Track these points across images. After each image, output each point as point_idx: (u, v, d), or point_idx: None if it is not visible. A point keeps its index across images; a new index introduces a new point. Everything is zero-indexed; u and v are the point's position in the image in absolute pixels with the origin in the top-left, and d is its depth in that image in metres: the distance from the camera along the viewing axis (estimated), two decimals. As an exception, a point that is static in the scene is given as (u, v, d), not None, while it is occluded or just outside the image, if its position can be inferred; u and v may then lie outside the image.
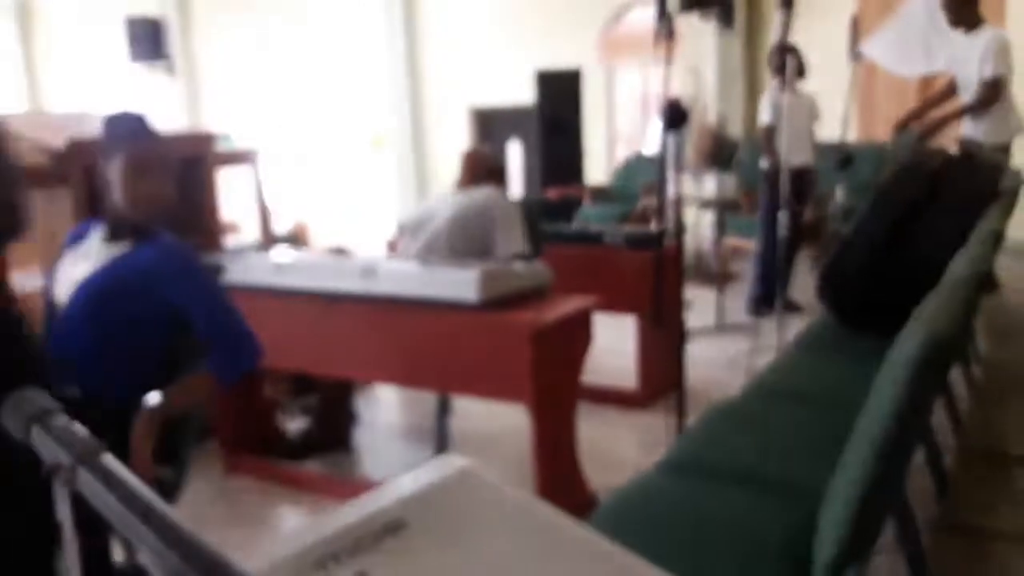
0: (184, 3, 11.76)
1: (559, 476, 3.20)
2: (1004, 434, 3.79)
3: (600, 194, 8.72)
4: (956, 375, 3.85)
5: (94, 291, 2.25)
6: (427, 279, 3.19)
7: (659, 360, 4.22)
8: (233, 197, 5.01)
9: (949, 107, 5.14)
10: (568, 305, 3.16)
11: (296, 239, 6.85)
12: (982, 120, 4.93)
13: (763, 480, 2.17)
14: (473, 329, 3.08)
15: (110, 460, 0.91)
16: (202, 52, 11.92)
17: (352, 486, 3.51)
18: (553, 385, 3.11)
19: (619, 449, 3.93)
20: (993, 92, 4.79)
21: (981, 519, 2.99)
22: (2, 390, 0.99)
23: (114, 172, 2.23)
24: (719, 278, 6.26)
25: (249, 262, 3.65)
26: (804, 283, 6.04)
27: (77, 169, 3.54)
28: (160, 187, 2.26)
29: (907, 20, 5.72)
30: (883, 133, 7.08)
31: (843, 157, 5.81)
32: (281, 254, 3.82)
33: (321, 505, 3.42)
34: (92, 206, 2.35)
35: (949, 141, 5.16)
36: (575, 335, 3.19)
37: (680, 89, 8.37)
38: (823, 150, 6.08)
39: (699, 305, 5.46)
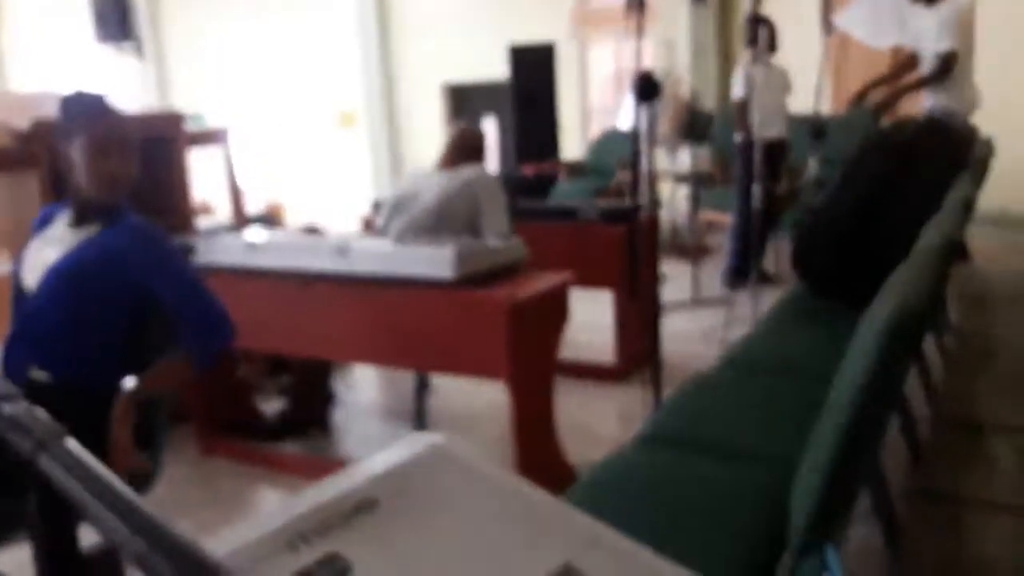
0: (151, -20, 11.59)
1: (539, 452, 3.21)
2: (977, 402, 3.83)
3: (575, 169, 8.70)
4: (929, 344, 3.88)
5: (63, 275, 2.22)
6: (402, 257, 3.17)
7: (635, 334, 4.23)
8: (205, 177, 4.96)
9: (905, 80, 5.18)
10: (544, 281, 3.15)
11: (269, 219, 6.80)
12: (941, 93, 4.99)
13: (739, 451, 2.18)
14: (449, 306, 3.07)
15: (72, 444, 0.90)
16: (170, 32, 11.76)
17: (330, 466, 3.49)
18: (530, 361, 3.11)
19: (597, 423, 3.94)
20: (946, 65, 4.84)
21: (955, 486, 3.03)
22: None
23: (76, 153, 2.19)
24: (694, 251, 6.28)
25: (222, 242, 3.62)
26: (782, 255, 6.07)
27: (44, 151, 3.49)
28: (123, 166, 2.22)
29: (879, -11, 5.71)
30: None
31: (816, 129, 5.82)
32: (254, 234, 3.79)
33: (298, 486, 3.39)
34: (58, 189, 2.31)
35: (907, 113, 5.20)
36: (551, 311, 3.19)
37: (653, 63, 8.36)
38: (796, 122, 6.09)
39: (674, 279, 5.48)
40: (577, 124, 9.89)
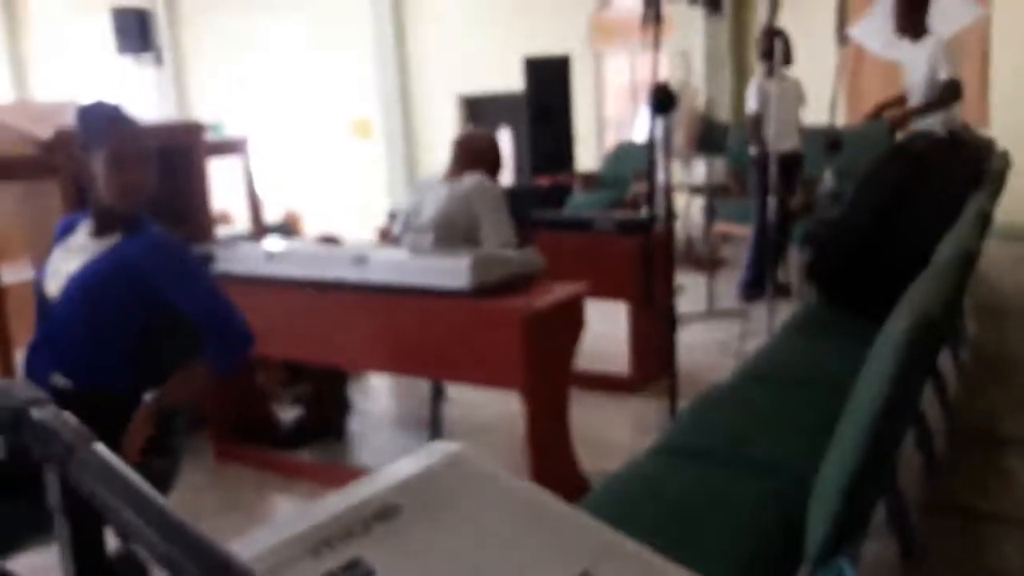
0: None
1: (552, 462, 3.21)
2: (992, 415, 3.81)
3: (590, 181, 8.71)
4: (944, 357, 3.87)
5: (84, 285, 2.24)
6: (418, 267, 3.19)
7: (651, 345, 4.23)
8: (223, 186, 4.99)
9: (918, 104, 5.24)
10: (560, 291, 3.15)
11: (287, 228, 6.84)
12: (938, 114, 5.06)
13: (755, 463, 2.18)
14: (465, 316, 3.08)
15: (101, 449, 0.91)
16: (190, 43, 11.86)
17: (345, 474, 3.52)
18: (545, 371, 3.11)
19: (612, 434, 3.94)
20: (954, 90, 4.91)
21: (970, 499, 3.01)
22: None
23: (96, 164, 2.21)
24: (709, 263, 6.27)
25: (240, 251, 3.64)
26: (795, 267, 6.06)
27: (65, 160, 3.52)
28: (142, 177, 2.25)
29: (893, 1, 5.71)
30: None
31: (831, 141, 5.82)
32: (272, 243, 3.81)
33: (314, 493, 3.42)
34: (81, 197, 2.33)
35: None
36: (567, 321, 3.19)
37: (668, 74, 8.37)
38: (811, 135, 6.09)
39: (690, 290, 5.48)
40: (592, 135, 9.91)
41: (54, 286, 2.28)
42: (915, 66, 5.09)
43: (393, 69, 10.84)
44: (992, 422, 3.73)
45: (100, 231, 2.31)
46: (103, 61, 11.59)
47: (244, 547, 0.93)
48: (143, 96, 11.40)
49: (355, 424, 4.18)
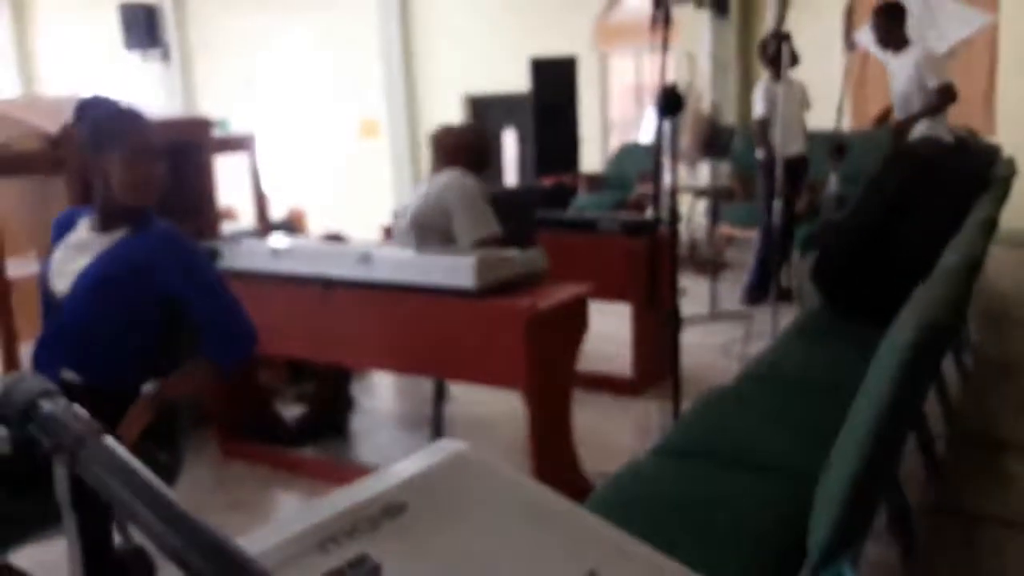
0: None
1: (555, 462, 3.22)
2: (994, 420, 3.82)
3: (595, 182, 8.71)
4: (947, 362, 3.87)
5: (93, 281, 2.23)
6: (423, 265, 3.19)
7: (653, 347, 4.23)
8: (229, 183, 5.00)
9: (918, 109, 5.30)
10: (564, 292, 3.16)
11: (291, 225, 6.85)
12: (931, 121, 5.16)
13: (757, 464, 2.18)
14: (469, 315, 3.09)
15: (111, 442, 0.92)
16: (197, 39, 11.88)
17: (348, 471, 3.52)
18: (549, 371, 3.12)
19: (614, 435, 3.94)
20: (949, 94, 5.07)
21: (972, 503, 3.02)
22: None
23: (112, 161, 2.21)
24: (713, 266, 6.28)
25: (246, 248, 3.65)
26: (801, 271, 6.06)
27: (72, 154, 3.53)
28: (159, 170, 2.26)
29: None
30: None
31: (837, 146, 5.83)
32: (278, 240, 3.82)
33: (317, 490, 3.44)
34: (87, 192, 2.33)
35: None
36: (571, 322, 3.20)
37: (675, 77, 8.37)
38: (816, 139, 6.09)
39: (693, 293, 5.48)
40: (597, 136, 9.91)
41: (61, 283, 2.28)
42: (898, 76, 5.23)
43: (399, 68, 10.84)
44: (994, 426, 3.73)
45: (105, 226, 2.30)
46: (110, 57, 11.63)
47: (252, 542, 0.93)
48: (150, 92, 11.42)
49: (358, 422, 4.19)
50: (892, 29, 5.20)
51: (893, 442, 1.58)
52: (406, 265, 3.24)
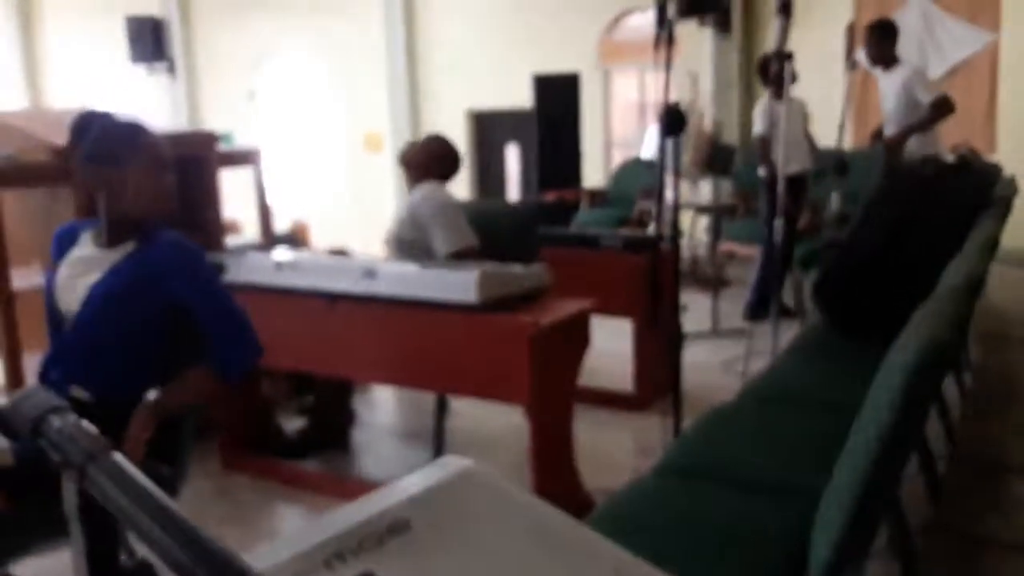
0: (185, 2, 11.77)
1: (556, 478, 3.22)
2: (996, 441, 3.81)
3: (597, 198, 8.74)
4: (948, 381, 3.87)
5: (105, 296, 2.22)
6: (426, 280, 3.20)
7: (655, 363, 4.24)
8: (233, 196, 5.02)
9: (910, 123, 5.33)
10: (566, 307, 3.17)
11: (295, 239, 6.86)
12: (925, 136, 5.26)
13: (759, 483, 2.19)
14: (472, 330, 3.10)
15: (120, 458, 0.92)
16: (203, 53, 11.93)
17: (349, 485, 3.53)
18: (551, 387, 3.12)
19: (615, 452, 3.94)
20: (945, 105, 5.14)
21: (973, 525, 3.02)
22: None
23: (136, 171, 2.21)
24: (715, 283, 6.28)
25: (250, 261, 3.66)
26: (798, 289, 6.07)
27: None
28: (171, 182, 2.29)
29: (902, 28, 5.76)
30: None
31: (839, 164, 5.85)
32: (282, 254, 3.83)
33: (318, 503, 3.44)
34: (93, 205, 2.33)
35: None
36: (573, 337, 3.21)
37: (677, 94, 8.39)
38: (818, 157, 6.10)
39: (695, 309, 5.48)
40: (599, 153, 9.94)
41: (71, 300, 2.27)
42: (887, 94, 5.28)
43: (403, 82, 10.89)
44: (994, 448, 3.73)
45: (112, 241, 2.30)
46: (116, 70, 11.67)
47: (258, 559, 0.94)
48: (155, 105, 11.46)
49: (359, 435, 4.19)
50: (882, 47, 5.26)
51: (894, 462, 1.58)
52: (409, 280, 3.25)
